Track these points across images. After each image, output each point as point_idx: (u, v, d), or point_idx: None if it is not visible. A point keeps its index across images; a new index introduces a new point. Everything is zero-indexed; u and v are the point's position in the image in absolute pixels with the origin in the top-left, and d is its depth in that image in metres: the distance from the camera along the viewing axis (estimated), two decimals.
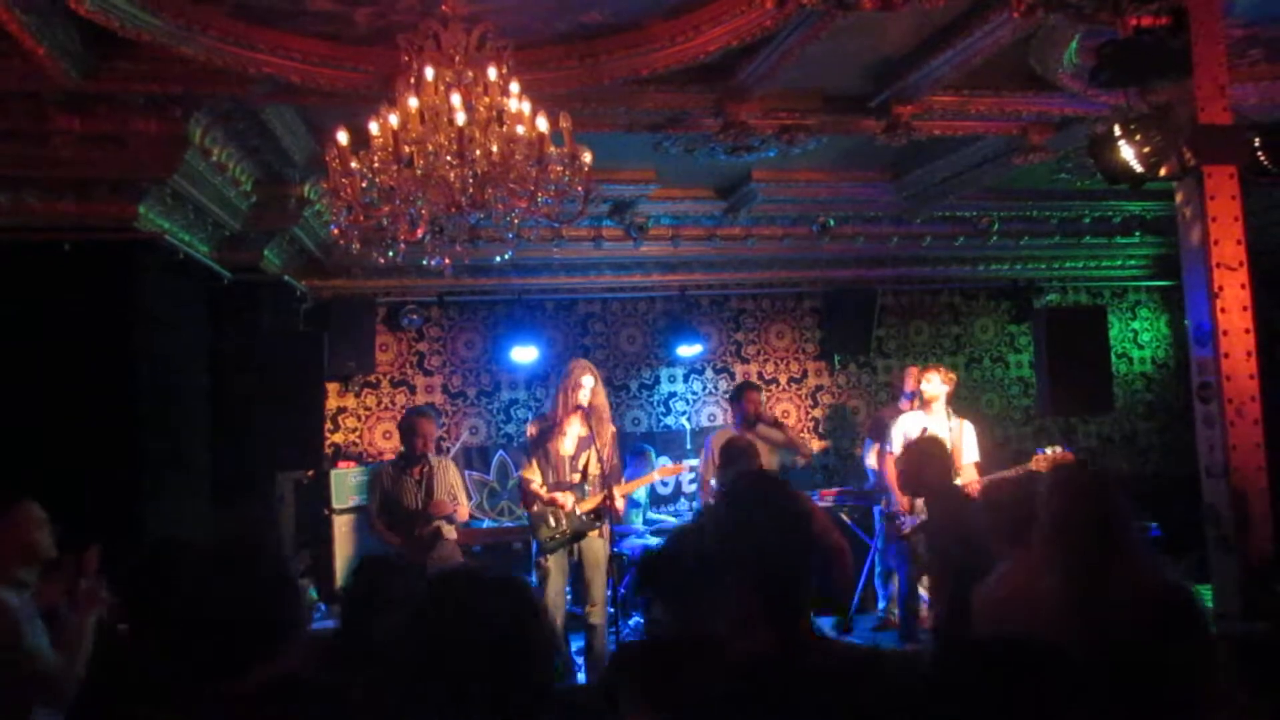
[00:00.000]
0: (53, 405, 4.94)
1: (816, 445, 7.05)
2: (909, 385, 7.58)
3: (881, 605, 7.43)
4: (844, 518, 7.60)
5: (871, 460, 7.62)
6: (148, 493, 5.14)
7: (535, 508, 6.05)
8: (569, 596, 6.36)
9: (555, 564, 6.00)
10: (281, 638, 2.01)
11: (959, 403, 8.81)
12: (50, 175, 4.94)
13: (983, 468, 6.58)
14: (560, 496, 5.93)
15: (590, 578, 6.00)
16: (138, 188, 5.03)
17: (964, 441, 6.54)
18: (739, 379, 9.16)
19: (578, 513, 5.97)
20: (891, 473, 6.70)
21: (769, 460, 6.54)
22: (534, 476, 6.10)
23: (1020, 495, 3.33)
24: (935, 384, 6.68)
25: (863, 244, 8.79)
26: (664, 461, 7.60)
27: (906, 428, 6.66)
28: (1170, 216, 4.72)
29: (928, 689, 1.54)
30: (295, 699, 1.88)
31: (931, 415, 6.64)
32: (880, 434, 7.33)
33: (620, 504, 6.15)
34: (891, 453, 6.72)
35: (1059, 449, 6.48)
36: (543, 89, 4.50)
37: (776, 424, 6.91)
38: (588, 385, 6.04)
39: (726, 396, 8.06)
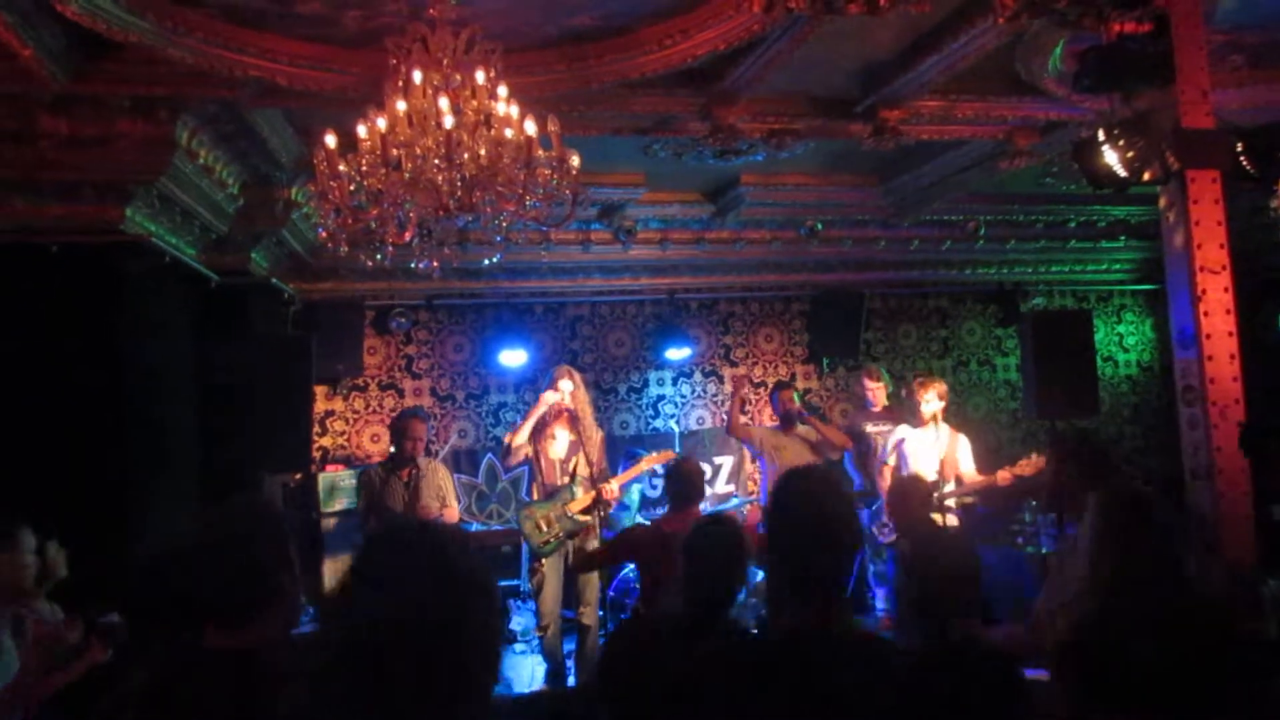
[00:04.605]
0: (39, 408, 4.92)
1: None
2: (870, 395, 7.60)
3: (880, 607, 7.43)
4: None
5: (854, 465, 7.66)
6: (135, 495, 5.12)
7: (524, 514, 6.07)
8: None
9: (551, 567, 5.99)
10: (272, 595, 2.01)
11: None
12: (37, 178, 4.91)
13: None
14: (541, 512, 5.97)
15: (585, 578, 6.00)
16: (124, 190, 5.01)
17: (960, 454, 6.56)
18: (728, 382, 9.20)
19: (568, 513, 5.97)
20: (884, 481, 6.74)
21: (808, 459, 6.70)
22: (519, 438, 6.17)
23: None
24: (933, 401, 6.65)
25: (850, 247, 8.82)
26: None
27: (900, 439, 6.71)
28: (1155, 221, 4.75)
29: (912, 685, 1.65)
30: (284, 656, 1.90)
31: (927, 429, 6.65)
32: (857, 439, 7.39)
33: (615, 491, 6.13)
34: (886, 463, 6.76)
35: (1035, 459, 6.49)
36: (531, 92, 4.51)
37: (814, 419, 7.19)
38: (565, 389, 6.09)
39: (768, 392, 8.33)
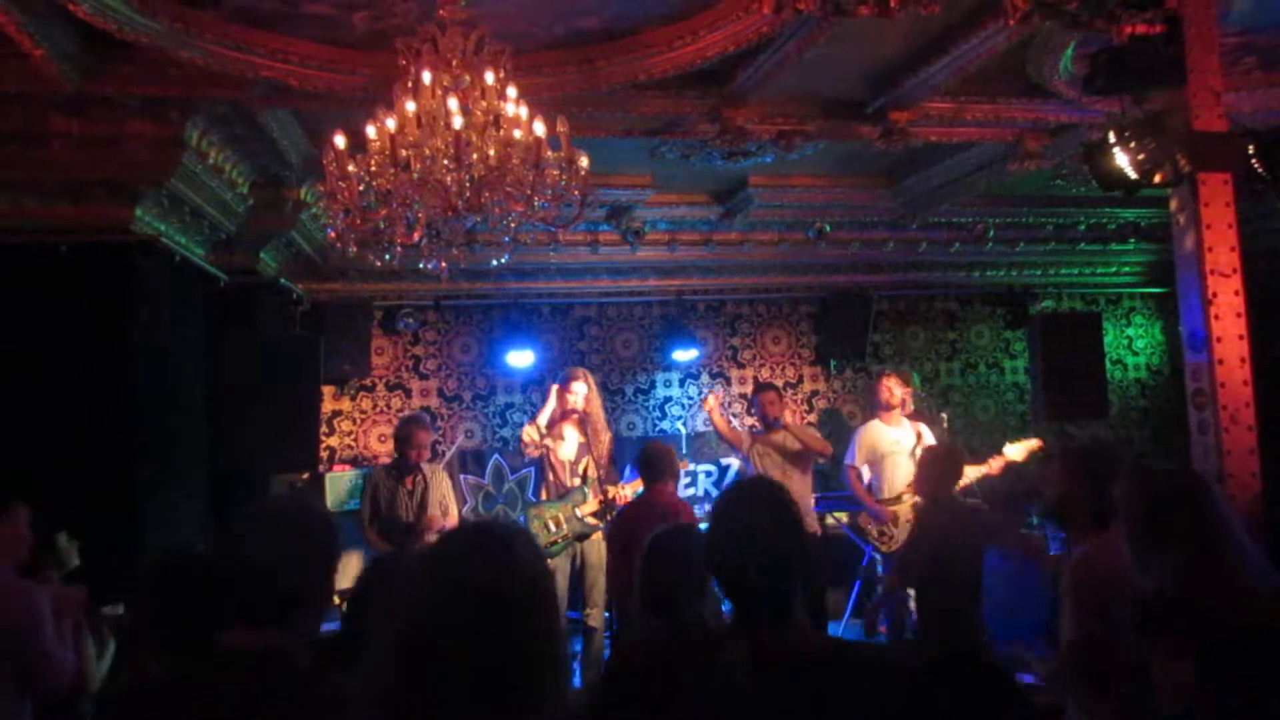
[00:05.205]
0: (49, 408, 4.94)
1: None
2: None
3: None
4: (838, 522, 7.59)
5: None
6: (144, 495, 5.13)
7: (532, 513, 6.08)
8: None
9: (557, 568, 6.01)
10: (306, 598, 2.00)
11: (955, 408, 8.81)
12: (47, 178, 4.94)
13: None
14: (550, 512, 6.00)
15: (592, 580, 6.00)
16: (134, 190, 5.03)
17: (924, 444, 6.57)
18: (734, 383, 9.18)
19: (578, 515, 5.98)
20: (857, 485, 6.71)
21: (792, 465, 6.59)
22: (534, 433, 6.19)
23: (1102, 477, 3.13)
24: (898, 391, 6.71)
25: (859, 249, 8.80)
26: None
27: (869, 438, 6.71)
28: (1165, 223, 4.74)
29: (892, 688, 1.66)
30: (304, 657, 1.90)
31: (891, 425, 6.68)
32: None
33: (627, 496, 6.12)
34: (853, 465, 6.73)
35: (1028, 441, 6.48)
36: (540, 93, 4.51)
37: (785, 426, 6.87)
38: (580, 392, 6.11)
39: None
